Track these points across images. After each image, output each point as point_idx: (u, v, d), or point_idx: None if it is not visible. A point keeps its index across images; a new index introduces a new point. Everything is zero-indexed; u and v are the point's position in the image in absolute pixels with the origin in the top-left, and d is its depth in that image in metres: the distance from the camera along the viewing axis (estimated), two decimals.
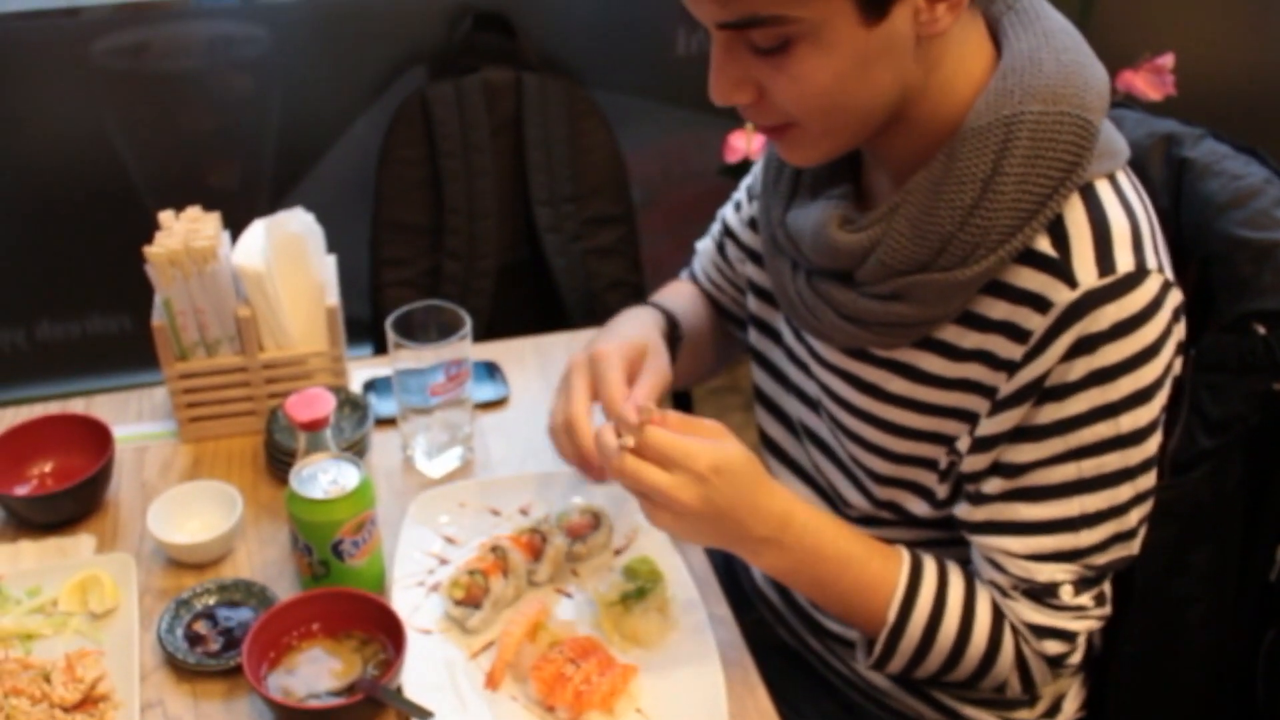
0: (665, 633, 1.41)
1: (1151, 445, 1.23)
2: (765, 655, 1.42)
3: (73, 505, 1.57)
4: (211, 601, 1.45)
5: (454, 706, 1.33)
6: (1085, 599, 1.28)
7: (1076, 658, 1.33)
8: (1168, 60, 2.13)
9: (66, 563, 1.50)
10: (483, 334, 1.70)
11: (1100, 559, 1.26)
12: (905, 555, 1.33)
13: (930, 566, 1.32)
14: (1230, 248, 1.35)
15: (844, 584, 1.32)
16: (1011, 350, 1.21)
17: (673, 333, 1.54)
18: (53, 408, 1.71)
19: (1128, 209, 1.20)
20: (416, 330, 1.58)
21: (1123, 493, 1.24)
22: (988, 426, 1.25)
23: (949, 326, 1.25)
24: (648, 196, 2.43)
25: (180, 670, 1.39)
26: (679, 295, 1.66)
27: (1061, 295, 1.17)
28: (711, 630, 1.40)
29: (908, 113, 1.20)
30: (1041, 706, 1.49)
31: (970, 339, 1.24)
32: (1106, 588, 1.31)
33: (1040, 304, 1.18)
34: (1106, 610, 1.31)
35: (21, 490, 1.60)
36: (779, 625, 1.62)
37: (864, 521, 1.43)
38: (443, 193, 2.24)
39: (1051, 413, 1.20)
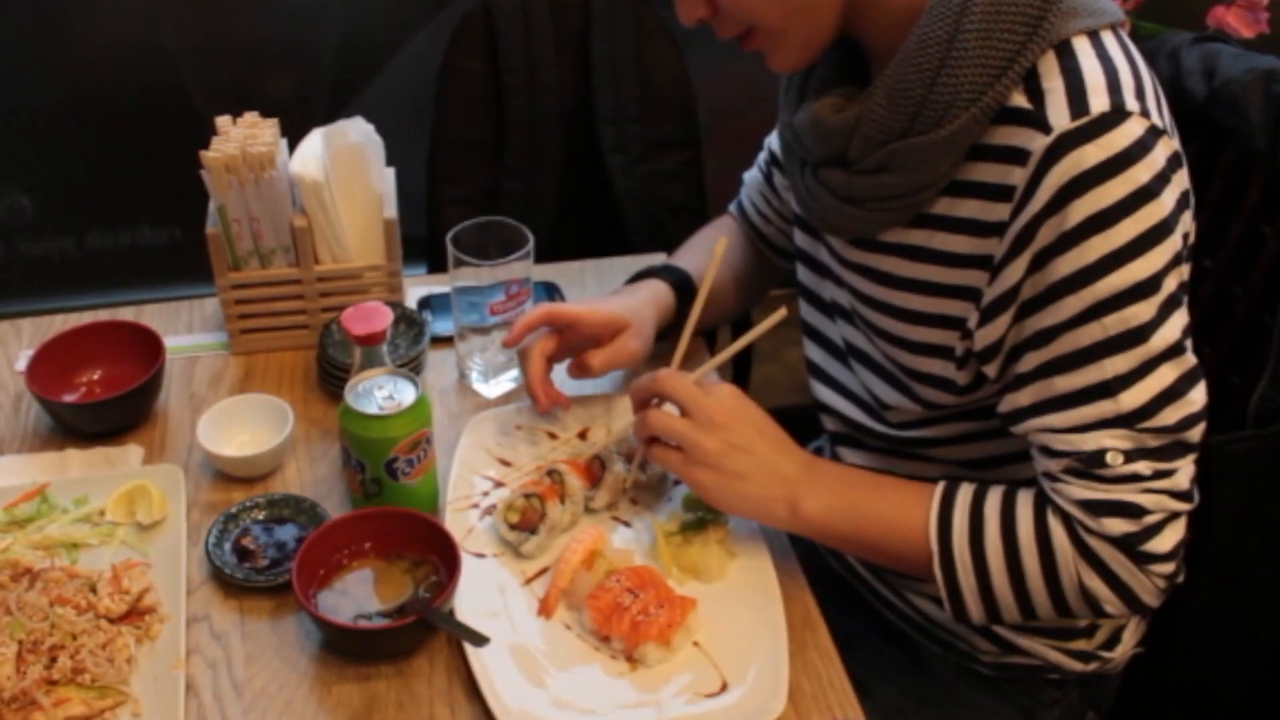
0: (725, 566, 1.37)
1: (1172, 285, 1.17)
2: (815, 585, 1.39)
3: (120, 414, 1.55)
4: (260, 517, 1.42)
5: (506, 632, 1.29)
6: (1141, 467, 1.19)
7: (1160, 545, 1.20)
8: None
9: (114, 472, 1.48)
10: (542, 255, 1.66)
11: (1153, 422, 1.17)
12: (939, 484, 1.30)
13: (964, 485, 1.29)
14: None
15: (880, 507, 1.31)
16: (1000, 211, 1.19)
17: (680, 299, 1.59)
18: (102, 316, 1.68)
19: (1105, 60, 1.17)
20: (476, 248, 1.54)
21: (1154, 346, 1.16)
22: (990, 294, 1.23)
23: (940, 199, 1.25)
24: (713, 121, 2.37)
25: (227, 585, 1.36)
26: (703, 244, 1.69)
27: (1037, 143, 1.15)
28: (773, 566, 1.37)
29: None
30: (1100, 637, 1.47)
31: (962, 208, 1.23)
32: (1183, 465, 1.20)
33: (1019, 156, 1.17)
34: (1179, 484, 1.20)
35: (69, 397, 1.57)
36: (830, 554, 1.61)
37: (904, 426, 1.42)
38: (505, 108, 2.19)
39: (1062, 268, 1.16)
